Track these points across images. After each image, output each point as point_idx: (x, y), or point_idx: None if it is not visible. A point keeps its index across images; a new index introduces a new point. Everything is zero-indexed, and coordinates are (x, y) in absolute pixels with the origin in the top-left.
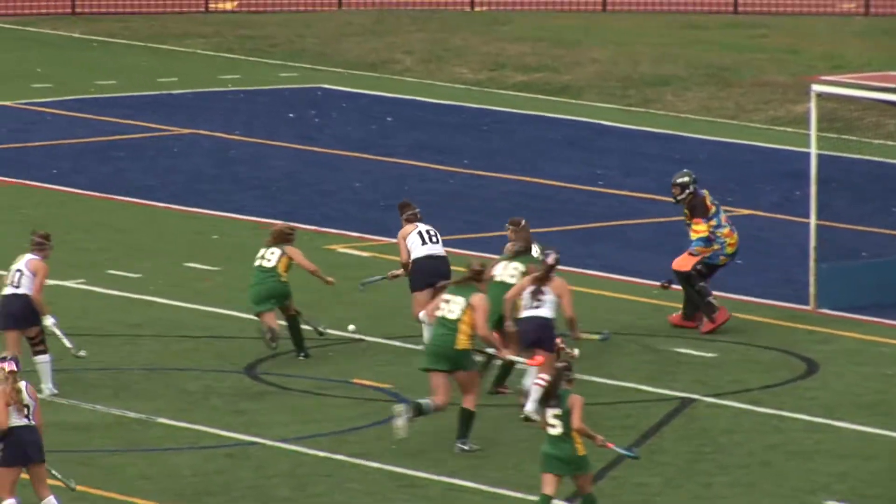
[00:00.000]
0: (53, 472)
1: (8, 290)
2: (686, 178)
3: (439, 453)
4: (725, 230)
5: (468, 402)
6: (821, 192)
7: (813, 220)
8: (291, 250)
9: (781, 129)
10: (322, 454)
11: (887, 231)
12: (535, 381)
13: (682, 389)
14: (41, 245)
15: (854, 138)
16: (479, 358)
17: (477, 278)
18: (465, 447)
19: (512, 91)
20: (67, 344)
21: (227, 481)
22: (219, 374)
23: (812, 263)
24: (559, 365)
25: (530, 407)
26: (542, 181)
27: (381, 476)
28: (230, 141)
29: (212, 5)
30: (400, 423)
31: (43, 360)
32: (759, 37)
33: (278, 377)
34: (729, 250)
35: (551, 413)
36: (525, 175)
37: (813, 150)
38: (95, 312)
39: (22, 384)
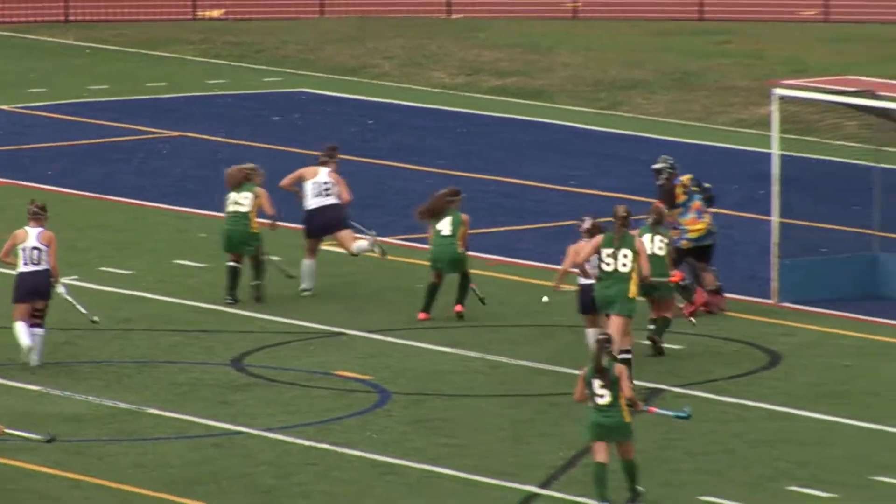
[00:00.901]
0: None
1: (28, 268)
2: (660, 164)
3: (418, 442)
4: (688, 218)
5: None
6: (783, 191)
7: (775, 218)
8: (261, 192)
9: (745, 130)
10: (306, 443)
11: (846, 228)
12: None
13: (651, 380)
14: (38, 215)
15: (815, 139)
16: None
17: (627, 224)
18: None
19: (488, 95)
20: (81, 310)
21: (215, 470)
22: (206, 367)
23: (774, 259)
24: (600, 337)
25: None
26: (516, 181)
27: (363, 464)
28: (217, 143)
29: (200, 13)
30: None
31: (39, 332)
32: (724, 43)
33: (264, 369)
34: (691, 235)
35: (598, 384)
36: (500, 175)
37: (775, 151)
38: (88, 308)
39: None
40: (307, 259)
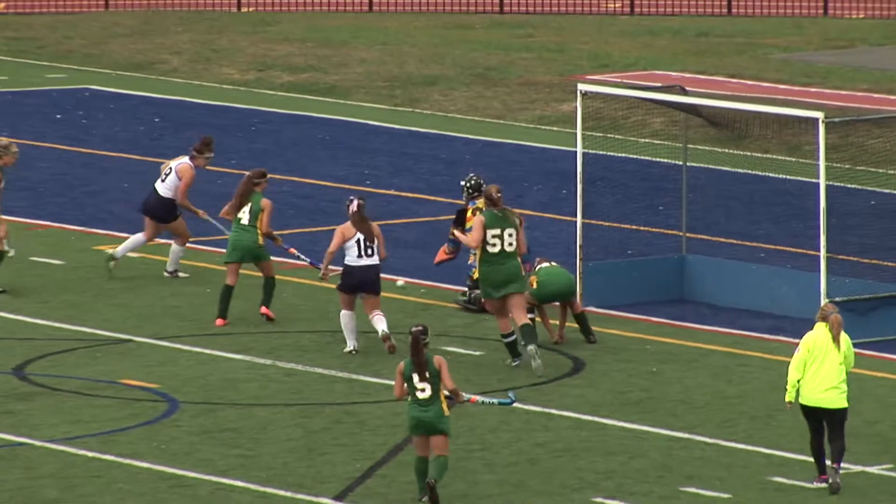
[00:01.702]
0: None
1: None
2: (462, 182)
3: (208, 453)
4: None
5: (525, 318)
6: (587, 190)
7: (579, 219)
8: None
9: (548, 128)
10: (91, 454)
11: (653, 229)
12: (377, 316)
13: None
14: None
15: (620, 137)
16: None
17: (501, 203)
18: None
19: (280, 91)
20: None
21: None
22: None
23: (578, 262)
24: (415, 329)
25: (384, 326)
26: (310, 181)
27: (151, 476)
28: None
29: None
30: (538, 363)
31: None
32: (525, 36)
33: (47, 378)
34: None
35: (418, 378)
36: (294, 175)
37: (579, 149)
38: None
39: None
40: (142, 234)
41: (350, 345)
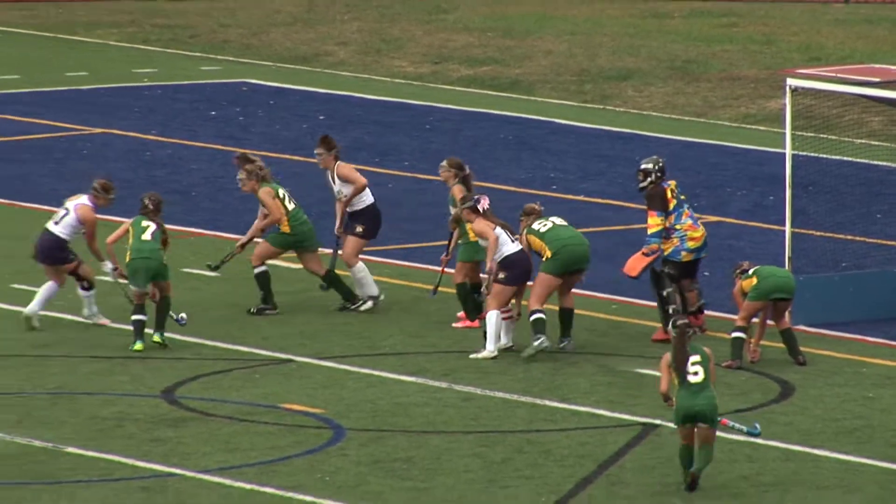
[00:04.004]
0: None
1: None
2: (650, 165)
3: (377, 485)
4: (686, 223)
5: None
6: (796, 196)
7: (788, 228)
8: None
9: (753, 127)
10: (249, 486)
11: (870, 239)
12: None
13: (645, 414)
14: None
15: (833, 137)
16: None
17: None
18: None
19: (457, 86)
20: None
21: None
22: (134, 399)
23: None
24: (681, 322)
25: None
26: (489, 185)
27: None
28: (146, 141)
29: None
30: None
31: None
32: (729, 26)
33: (200, 402)
34: (690, 244)
35: (690, 361)
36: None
37: (788, 151)
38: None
39: None
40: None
41: (504, 340)
